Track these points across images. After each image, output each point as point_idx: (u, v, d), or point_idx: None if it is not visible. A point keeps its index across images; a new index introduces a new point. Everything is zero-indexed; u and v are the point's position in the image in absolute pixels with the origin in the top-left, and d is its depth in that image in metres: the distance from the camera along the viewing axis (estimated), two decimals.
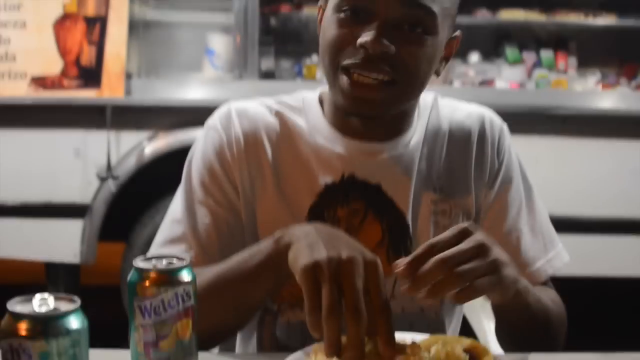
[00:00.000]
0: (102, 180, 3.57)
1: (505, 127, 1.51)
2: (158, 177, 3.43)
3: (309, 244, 1.12)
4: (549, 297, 1.39)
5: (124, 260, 3.71)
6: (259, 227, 1.41)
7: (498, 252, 1.13)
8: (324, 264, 1.06)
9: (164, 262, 1.10)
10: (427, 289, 1.07)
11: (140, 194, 3.63)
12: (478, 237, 1.11)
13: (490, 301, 1.22)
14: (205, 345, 1.26)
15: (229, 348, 1.48)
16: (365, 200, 1.40)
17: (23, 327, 0.87)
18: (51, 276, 3.77)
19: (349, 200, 1.40)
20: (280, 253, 1.17)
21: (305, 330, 1.37)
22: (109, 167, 3.55)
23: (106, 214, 3.60)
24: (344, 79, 1.31)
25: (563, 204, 3.57)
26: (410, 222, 1.42)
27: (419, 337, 1.15)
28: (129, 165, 3.58)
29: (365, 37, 1.27)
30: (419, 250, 1.09)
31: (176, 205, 1.42)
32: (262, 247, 1.22)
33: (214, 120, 1.45)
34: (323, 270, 1.06)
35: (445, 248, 1.09)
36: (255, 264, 1.21)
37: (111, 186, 3.56)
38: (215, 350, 1.50)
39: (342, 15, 1.30)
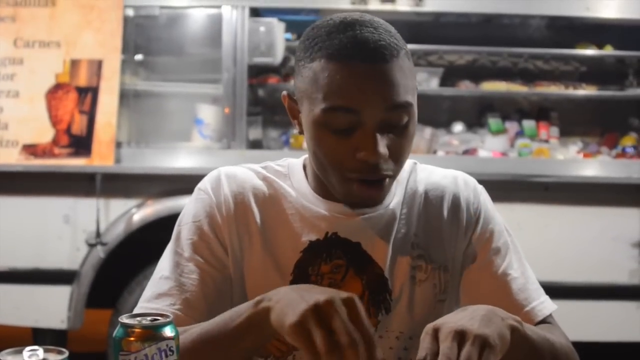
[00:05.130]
0: (91, 246, 3.60)
1: (479, 185, 1.58)
2: (146, 244, 3.47)
3: (287, 303, 1.18)
4: (553, 334, 1.42)
5: (111, 327, 3.72)
6: (247, 283, 1.46)
7: (472, 322, 1.17)
8: (307, 314, 1.12)
9: (149, 318, 1.15)
10: None
11: (128, 261, 3.67)
12: (447, 327, 1.17)
13: None
14: None
15: None
16: (347, 258, 1.47)
17: None
18: (38, 342, 3.77)
19: (332, 257, 1.46)
20: (260, 316, 1.22)
21: None
22: (97, 233, 3.59)
23: (94, 280, 3.62)
24: (351, 187, 1.39)
25: (545, 270, 3.60)
26: (388, 278, 1.47)
27: None
28: (117, 232, 3.62)
29: (364, 153, 1.34)
30: None
31: (164, 263, 1.47)
32: (242, 310, 1.27)
33: (204, 183, 1.52)
34: (308, 319, 1.12)
35: (432, 355, 1.14)
36: (236, 326, 1.26)
37: (100, 252, 3.60)
38: None
39: (330, 131, 1.35)
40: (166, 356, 1.12)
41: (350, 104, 1.33)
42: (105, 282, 3.69)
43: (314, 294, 1.16)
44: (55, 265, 3.63)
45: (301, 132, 1.44)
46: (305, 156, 1.57)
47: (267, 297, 1.23)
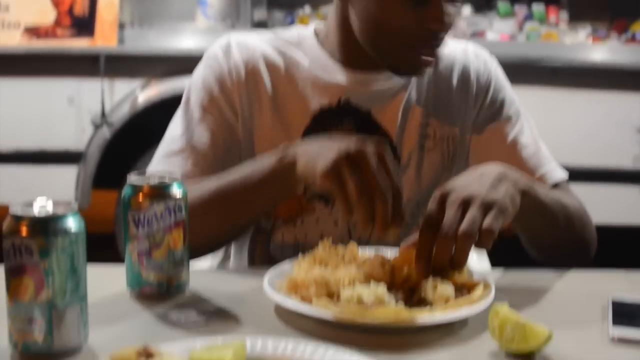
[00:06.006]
0: (96, 127, 3.60)
1: (490, 56, 1.58)
2: (151, 125, 3.47)
3: (316, 152, 1.19)
4: (565, 196, 1.44)
5: (118, 207, 3.76)
6: (256, 148, 1.48)
7: (481, 186, 1.18)
8: (340, 159, 1.13)
9: (157, 178, 1.16)
10: (452, 264, 1.13)
11: (134, 142, 3.67)
12: (455, 193, 1.17)
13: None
14: (197, 254, 1.33)
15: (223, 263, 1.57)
16: (356, 125, 1.47)
17: (24, 227, 0.92)
18: None
19: (342, 123, 1.47)
20: (285, 169, 1.24)
21: (298, 247, 1.44)
22: (102, 114, 3.58)
23: (100, 161, 3.64)
24: (411, 55, 1.40)
25: (551, 152, 3.62)
26: (397, 146, 1.48)
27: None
28: (122, 113, 3.61)
29: (434, 24, 1.35)
30: (420, 242, 1.15)
31: (175, 125, 1.48)
32: (264, 163, 1.28)
33: (214, 49, 1.52)
34: (341, 165, 1.13)
35: (436, 222, 1.14)
36: (258, 179, 1.28)
37: (105, 133, 3.61)
38: (208, 263, 1.57)
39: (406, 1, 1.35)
40: (174, 214, 1.14)
41: None
42: (112, 163, 3.71)
43: (344, 141, 1.17)
44: (61, 146, 3.64)
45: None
46: (315, 25, 1.56)
47: (290, 151, 1.24)
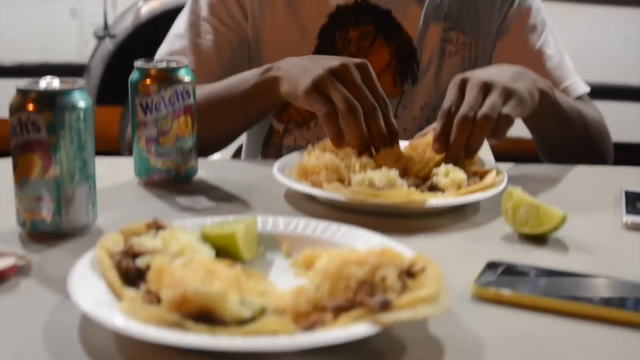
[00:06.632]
0: (100, 39, 3.56)
1: None
2: (154, 37, 3.42)
3: (298, 71, 1.17)
4: (585, 107, 1.43)
5: (123, 122, 3.74)
6: (267, 46, 1.45)
7: (501, 76, 1.15)
8: (322, 77, 1.11)
9: (164, 63, 1.14)
10: (467, 149, 1.11)
11: (137, 54, 3.62)
12: (475, 78, 1.14)
13: (524, 120, 1.26)
14: (206, 152, 1.32)
15: None
16: (375, 25, 1.44)
17: (31, 102, 0.90)
18: None
19: (360, 22, 1.44)
20: (268, 84, 1.22)
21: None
22: (105, 26, 3.53)
23: (103, 74, 3.60)
24: None
25: None
26: (417, 48, 1.46)
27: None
28: (125, 25, 3.57)
29: None
30: (438, 122, 1.12)
31: (180, 22, 1.46)
32: (248, 77, 1.27)
33: None
34: (323, 83, 1.11)
35: (456, 106, 1.12)
36: (242, 92, 1.27)
37: (108, 45, 3.56)
38: (217, 156, 1.56)
39: None
40: (183, 99, 1.12)
41: None
42: (115, 78, 3.67)
43: (327, 60, 1.15)
44: (64, 59, 3.60)
45: None
46: None
47: (275, 67, 1.23)
